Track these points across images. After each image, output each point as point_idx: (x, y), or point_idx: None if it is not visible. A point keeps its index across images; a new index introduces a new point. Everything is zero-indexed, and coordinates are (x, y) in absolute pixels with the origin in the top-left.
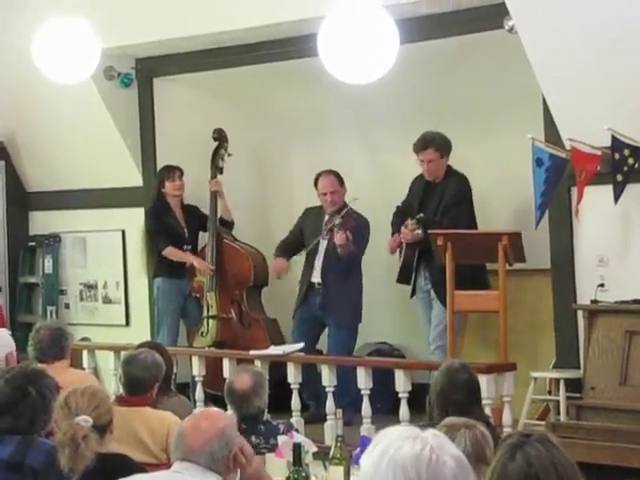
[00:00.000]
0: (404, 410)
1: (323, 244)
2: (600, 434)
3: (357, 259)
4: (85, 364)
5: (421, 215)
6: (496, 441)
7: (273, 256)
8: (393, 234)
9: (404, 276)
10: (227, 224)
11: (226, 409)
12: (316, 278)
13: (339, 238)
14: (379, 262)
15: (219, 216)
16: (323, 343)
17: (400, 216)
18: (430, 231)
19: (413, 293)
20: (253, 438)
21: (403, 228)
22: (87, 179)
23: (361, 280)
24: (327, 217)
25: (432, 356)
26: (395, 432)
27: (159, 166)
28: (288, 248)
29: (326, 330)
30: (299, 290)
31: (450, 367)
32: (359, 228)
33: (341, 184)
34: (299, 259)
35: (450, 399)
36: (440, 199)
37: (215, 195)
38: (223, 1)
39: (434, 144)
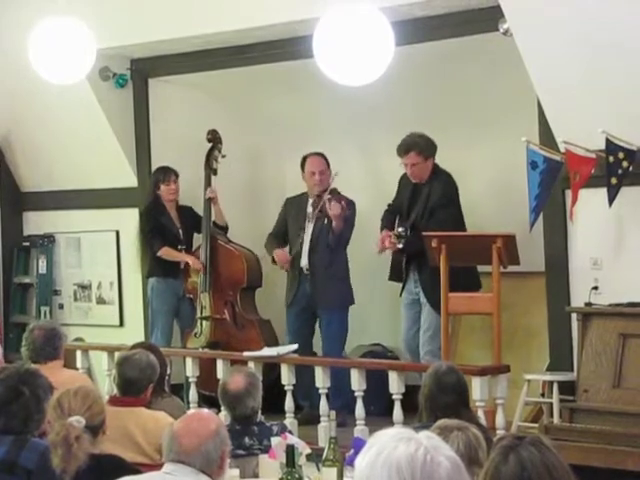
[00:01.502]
0: (398, 412)
1: (309, 228)
2: (593, 437)
3: (346, 239)
4: (79, 364)
5: (400, 230)
6: (488, 443)
7: (265, 248)
8: (382, 231)
9: (395, 274)
10: (221, 229)
11: (220, 410)
12: (304, 263)
13: (334, 207)
14: (372, 264)
15: (212, 221)
16: (316, 343)
17: (391, 214)
18: (424, 233)
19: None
20: (246, 439)
21: (387, 240)
22: (82, 179)
23: (347, 263)
24: (311, 202)
25: (423, 361)
26: (389, 433)
27: (154, 167)
28: (278, 240)
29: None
30: (289, 278)
31: (438, 370)
32: (348, 205)
33: (328, 166)
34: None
35: (438, 402)
36: (427, 201)
37: (210, 202)
38: (219, 2)
39: (417, 147)
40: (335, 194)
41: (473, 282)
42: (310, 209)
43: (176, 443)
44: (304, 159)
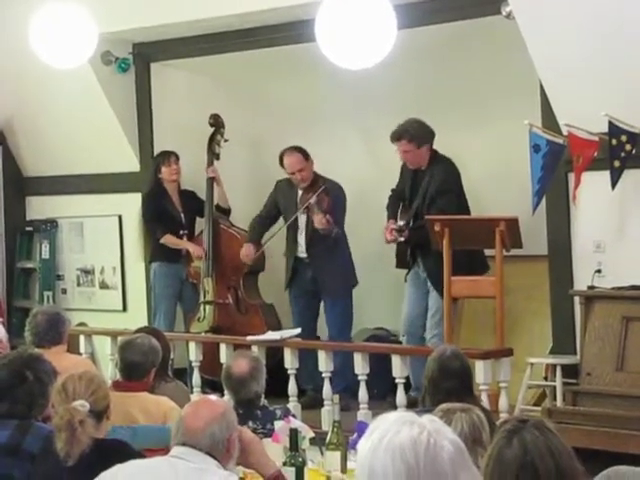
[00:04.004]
0: (401, 396)
1: (302, 219)
2: (596, 420)
3: (340, 224)
4: (82, 349)
5: (401, 224)
6: (491, 426)
7: (248, 228)
8: (389, 218)
9: (401, 261)
10: (224, 211)
11: (223, 395)
12: (302, 253)
13: (318, 222)
14: (375, 248)
15: (215, 203)
16: (321, 328)
17: (395, 199)
18: (427, 217)
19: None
20: (250, 423)
21: (389, 233)
22: (84, 164)
23: (347, 245)
24: (300, 192)
25: (429, 344)
26: (392, 417)
27: (156, 151)
28: (263, 224)
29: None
30: (286, 265)
31: (442, 354)
32: (336, 200)
33: (306, 159)
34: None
35: (441, 387)
36: (427, 187)
37: (212, 182)
38: None
39: (407, 135)
40: (322, 195)
41: (480, 264)
42: (299, 200)
43: (183, 426)
44: (281, 156)
